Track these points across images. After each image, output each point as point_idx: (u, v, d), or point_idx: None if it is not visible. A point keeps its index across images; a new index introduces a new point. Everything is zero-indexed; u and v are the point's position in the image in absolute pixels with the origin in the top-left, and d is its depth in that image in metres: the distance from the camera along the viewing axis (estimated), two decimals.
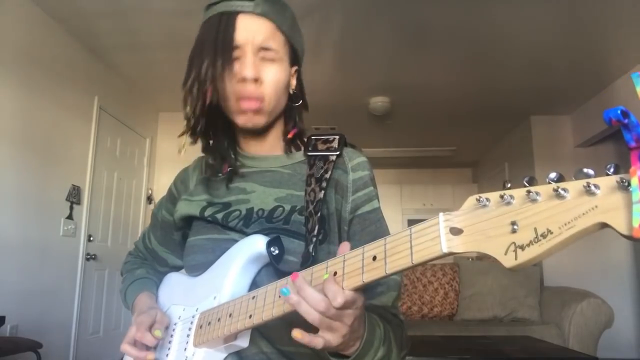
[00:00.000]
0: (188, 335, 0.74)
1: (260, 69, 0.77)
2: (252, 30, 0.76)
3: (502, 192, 0.43)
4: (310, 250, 0.71)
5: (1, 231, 2.71)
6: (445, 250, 0.46)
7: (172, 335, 0.78)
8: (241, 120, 0.79)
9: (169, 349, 0.76)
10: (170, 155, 4.71)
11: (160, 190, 4.65)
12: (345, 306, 0.53)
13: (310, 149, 0.82)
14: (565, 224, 0.38)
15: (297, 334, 0.54)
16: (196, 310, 0.76)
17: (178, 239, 0.93)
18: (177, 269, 0.95)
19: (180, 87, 0.77)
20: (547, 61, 3.65)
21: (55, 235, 3.20)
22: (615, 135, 4.24)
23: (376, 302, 0.74)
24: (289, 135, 0.85)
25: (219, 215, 0.80)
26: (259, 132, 0.83)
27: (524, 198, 0.41)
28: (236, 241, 0.76)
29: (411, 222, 6.95)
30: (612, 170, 0.38)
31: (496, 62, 3.69)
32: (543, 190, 0.40)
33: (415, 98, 4.45)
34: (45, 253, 3.09)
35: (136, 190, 4.44)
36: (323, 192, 0.75)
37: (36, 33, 3.02)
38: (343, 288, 0.54)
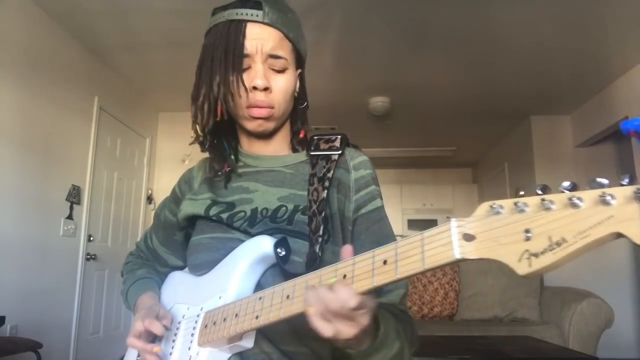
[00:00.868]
0: (192, 335, 0.74)
1: (269, 78, 0.78)
2: (261, 40, 0.77)
3: (515, 200, 0.43)
4: (317, 250, 0.71)
5: (1, 231, 2.71)
6: (457, 256, 0.46)
7: (175, 334, 0.78)
8: (252, 126, 0.80)
9: (172, 347, 0.76)
10: (170, 155, 4.71)
11: (160, 190, 4.66)
12: (359, 307, 0.53)
13: (312, 148, 0.83)
14: (580, 233, 0.38)
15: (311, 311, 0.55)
16: (201, 310, 0.76)
17: (180, 239, 0.93)
18: (177, 269, 0.95)
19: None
20: (547, 61, 3.65)
21: (55, 235, 3.20)
22: (615, 135, 4.24)
23: (384, 300, 0.74)
24: (301, 135, 0.87)
25: (224, 215, 0.80)
26: (266, 135, 0.84)
27: (538, 206, 0.41)
28: (241, 241, 0.76)
29: (411, 222, 6.98)
30: (626, 181, 0.37)
31: (496, 62, 3.69)
32: (557, 198, 0.40)
33: (415, 98, 4.45)
34: (45, 253, 3.09)
35: (136, 190, 4.44)
36: (326, 191, 0.75)
37: (36, 33, 3.02)
38: (357, 291, 0.54)
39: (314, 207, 0.74)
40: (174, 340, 0.77)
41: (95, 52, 3.62)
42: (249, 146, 0.87)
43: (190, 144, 0.83)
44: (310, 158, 0.82)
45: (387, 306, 0.71)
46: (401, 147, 6.11)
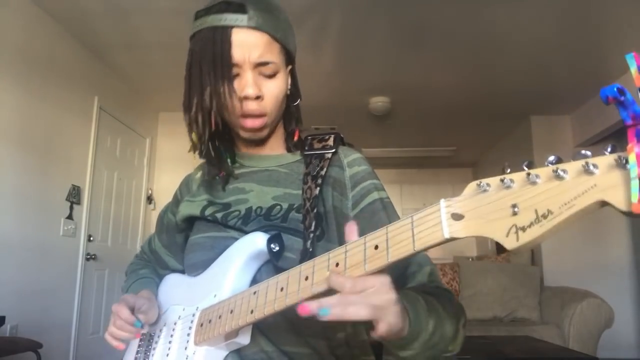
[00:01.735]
0: (188, 334, 0.74)
1: (260, 85, 0.77)
2: (248, 47, 0.75)
3: (502, 177, 0.43)
4: (308, 246, 0.71)
5: (1, 231, 2.70)
6: (447, 235, 0.46)
7: (172, 335, 0.78)
8: (246, 136, 0.81)
9: (169, 348, 0.76)
10: (170, 155, 4.71)
11: (160, 190, 4.66)
12: (365, 287, 0.52)
13: (306, 148, 0.83)
14: (565, 204, 0.38)
15: (373, 333, 0.52)
16: (196, 309, 0.76)
17: (180, 241, 0.94)
18: (177, 272, 0.96)
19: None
20: (547, 61, 3.65)
21: (55, 235, 3.20)
22: (615, 135, 4.24)
23: (413, 284, 0.74)
24: (295, 137, 0.86)
25: (219, 215, 0.81)
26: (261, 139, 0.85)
27: (523, 181, 0.42)
28: (235, 239, 0.76)
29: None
30: (609, 150, 0.38)
31: (496, 62, 3.69)
32: (542, 172, 0.41)
33: (415, 98, 4.45)
34: (45, 253, 3.09)
35: (136, 190, 4.44)
36: (318, 188, 0.75)
37: (36, 33, 3.02)
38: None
39: (307, 204, 0.74)
40: (170, 342, 0.77)
41: (95, 52, 3.62)
42: (244, 147, 0.88)
43: (189, 151, 0.83)
44: (304, 157, 0.83)
45: (416, 288, 0.70)
46: (401, 147, 6.11)
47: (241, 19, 0.74)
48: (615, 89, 0.37)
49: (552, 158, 0.41)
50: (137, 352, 0.83)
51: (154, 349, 0.79)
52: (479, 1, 2.87)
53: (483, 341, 2.77)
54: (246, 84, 0.75)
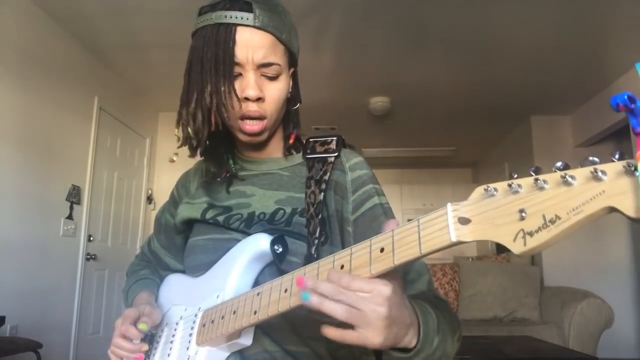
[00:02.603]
0: (190, 335, 0.74)
1: (262, 86, 0.76)
2: (252, 47, 0.73)
3: (509, 182, 0.44)
4: (313, 252, 0.71)
5: (1, 231, 2.70)
6: (454, 239, 0.46)
7: (173, 335, 0.77)
8: (244, 139, 0.79)
9: (170, 348, 0.76)
10: (170, 155, 4.71)
11: (160, 190, 4.65)
12: (359, 289, 0.51)
13: (308, 151, 0.82)
14: (573, 210, 0.39)
15: (329, 331, 0.52)
16: (198, 310, 0.75)
17: (179, 242, 0.93)
18: (178, 273, 0.96)
19: (178, 86, 0.77)
20: (547, 61, 3.65)
21: (55, 235, 3.20)
22: (615, 135, 4.24)
23: (413, 292, 0.73)
24: (290, 141, 0.85)
25: (221, 218, 0.80)
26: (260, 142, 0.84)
27: (531, 186, 0.42)
28: (238, 240, 0.76)
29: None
30: (617, 157, 0.38)
31: (496, 62, 3.69)
32: (550, 177, 0.41)
33: (415, 98, 4.45)
34: (45, 253, 3.09)
35: (136, 190, 4.44)
36: (323, 194, 0.75)
37: (36, 33, 3.02)
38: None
39: (312, 209, 0.74)
40: (171, 342, 0.77)
41: (95, 52, 3.62)
42: (244, 149, 0.87)
43: (179, 146, 0.80)
44: (306, 161, 0.82)
45: (419, 297, 0.68)
46: (401, 147, 6.11)
47: (246, 17, 0.73)
48: (625, 97, 0.37)
49: (559, 164, 0.41)
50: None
51: (155, 348, 0.79)
52: (479, 1, 2.87)
53: (483, 341, 2.77)
54: (248, 84, 0.74)
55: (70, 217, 3.35)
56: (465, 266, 4.08)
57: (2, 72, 2.73)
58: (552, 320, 3.53)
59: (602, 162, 0.39)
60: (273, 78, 0.77)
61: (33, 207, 2.98)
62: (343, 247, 0.75)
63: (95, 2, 2.95)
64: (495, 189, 0.44)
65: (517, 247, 0.42)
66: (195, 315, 0.75)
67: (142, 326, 0.73)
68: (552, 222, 0.39)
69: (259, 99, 0.75)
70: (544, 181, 0.41)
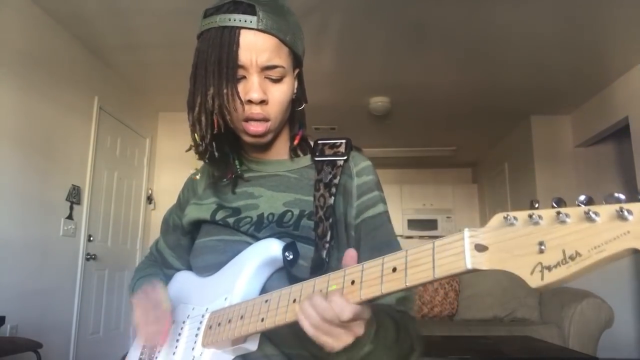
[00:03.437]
0: (196, 335, 0.74)
1: (266, 89, 0.75)
2: (255, 50, 0.73)
3: (530, 212, 0.42)
4: (324, 256, 0.71)
5: (1, 231, 2.70)
6: (469, 266, 0.45)
7: (179, 334, 0.77)
8: (249, 140, 0.79)
9: (176, 347, 0.76)
10: (170, 155, 4.71)
11: (160, 190, 4.65)
12: (353, 319, 0.53)
13: (317, 154, 0.82)
14: (595, 247, 0.38)
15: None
16: (206, 310, 0.75)
17: (185, 243, 0.93)
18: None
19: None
20: (547, 61, 3.65)
21: (55, 235, 3.20)
22: (616, 135, 4.24)
23: (379, 301, 0.74)
24: (295, 142, 0.85)
25: (231, 220, 0.80)
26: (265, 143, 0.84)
27: (553, 219, 0.41)
28: (248, 243, 0.76)
29: (411, 222, 6.97)
30: None
31: (496, 61, 3.69)
32: (573, 212, 0.40)
33: (415, 98, 4.45)
34: (45, 253, 3.09)
35: (136, 190, 4.44)
36: (333, 198, 0.75)
37: (36, 33, 3.02)
38: (361, 298, 0.53)
39: (321, 213, 0.74)
40: (177, 340, 0.77)
41: (95, 52, 3.62)
42: (250, 150, 0.86)
43: (187, 150, 0.82)
44: (315, 163, 0.81)
45: (386, 308, 0.70)
46: (401, 147, 6.11)
47: (250, 20, 0.73)
48: None
49: (582, 198, 0.40)
50: (144, 347, 0.83)
51: (161, 345, 0.79)
52: (479, 1, 2.87)
53: (483, 341, 2.77)
54: (251, 87, 0.74)
55: (70, 217, 3.35)
56: None
57: (3, 72, 2.73)
58: (552, 320, 3.53)
59: (627, 200, 0.38)
60: (277, 80, 0.76)
61: (33, 207, 2.98)
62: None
63: (96, 3, 2.95)
64: (515, 218, 0.43)
65: (534, 281, 0.41)
66: (202, 316, 0.75)
67: (165, 305, 0.74)
68: (572, 258, 0.39)
69: (262, 102, 0.75)
70: (566, 215, 0.40)
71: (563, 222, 0.40)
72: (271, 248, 0.71)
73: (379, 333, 0.62)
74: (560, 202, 0.42)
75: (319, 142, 0.84)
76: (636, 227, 0.36)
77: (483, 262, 0.45)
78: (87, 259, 3.56)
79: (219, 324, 0.70)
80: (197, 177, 0.94)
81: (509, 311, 3.73)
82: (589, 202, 0.40)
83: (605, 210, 0.38)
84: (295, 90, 0.82)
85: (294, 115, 0.86)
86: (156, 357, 0.79)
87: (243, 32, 0.73)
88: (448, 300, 3.88)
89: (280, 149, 0.86)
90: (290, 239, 0.72)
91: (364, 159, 0.82)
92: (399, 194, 6.97)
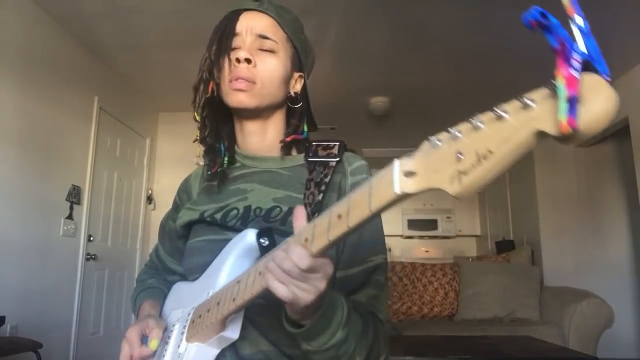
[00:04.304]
0: (182, 333, 0.75)
1: (255, 54, 0.80)
2: (252, 20, 0.82)
3: (449, 128, 0.43)
4: None
5: (1, 231, 2.71)
6: (398, 191, 0.46)
7: (169, 337, 0.78)
8: (232, 101, 0.80)
9: (165, 349, 0.76)
10: (170, 155, 4.71)
11: (160, 190, 4.65)
12: (311, 270, 0.54)
13: (310, 154, 0.83)
14: (503, 140, 0.38)
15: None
16: (192, 309, 0.76)
17: (182, 247, 0.93)
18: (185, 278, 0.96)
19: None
20: (548, 61, 3.64)
21: (55, 235, 3.20)
22: (616, 135, 4.24)
23: (354, 297, 0.74)
24: (287, 139, 0.85)
25: (218, 215, 0.81)
26: (257, 122, 0.85)
27: (470, 129, 0.42)
28: None
29: (411, 222, 6.96)
30: (548, 84, 0.38)
31: (496, 61, 3.69)
32: (485, 117, 0.41)
33: (415, 98, 4.45)
34: (45, 253, 3.09)
35: (136, 190, 4.44)
36: (322, 194, 0.75)
37: (36, 33, 3.02)
38: (313, 251, 0.54)
39: (308, 209, 0.74)
40: (167, 343, 0.77)
41: (95, 52, 3.62)
42: (245, 144, 0.87)
43: (195, 141, 0.85)
44: (307, 164, 0.82)
45: (354, 303, 0.70)
46: (401, 147, 6.10)
47: (254, 5, 0.83)
48: (537, 13, 0.37)
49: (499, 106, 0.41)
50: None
51: (153, 354, 0.80)
52: (478, 1, 2.88)
53: (483, 341, 2.76)
54: (240, 49, 0.80)
55: (70, 217, 3.35)
56: (465, 266, 4.08)
57: (3, 72, 2.73)
58: (552, 320, 3.52)
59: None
60: (268, 51, 0.81)
61: (33, 207, 2.98)
62: (337, 249, 0.76)
63: (96, 2, 2.95)
64: (439, 139, 0.44)
65: (453, 189, 0.41)
66: (189, 315, 0.76)
67: (154, 344, 0.73)
68: (485, 157, 0.39)
69: (248, 62, 0.79)
70: (480, 121, 0.41)
71: (478, 128, 0.41)
72: (247, 237, 0.72)
73: (350, 318, 0.63)
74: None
75: (313, 143, 0.85)
76: (539, 111, 0.37)
77: (410, 184, 0.46)
78: (87, 259, 3.56)
79: (200, 316, 0.71)
80: (201, 163, 0.94)
81: (509, 311, 3.73)
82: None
83: (512, 106, 0.39)
84: (296, 91, 0.86)
85: (292, 113, 0.88)
86: None
87: (245, 12, 0.83)
88: (448, 300, 3.88)
89: (274, 144, 0.86)
90: (266, 225, 0.74)
91: (359, 159, 0.84)
92: None
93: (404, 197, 0.46)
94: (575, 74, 0.35)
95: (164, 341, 0.78)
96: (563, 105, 0.35)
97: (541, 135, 0.37)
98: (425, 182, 0.44)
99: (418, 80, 4.05)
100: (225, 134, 0.87)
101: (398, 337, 2.99)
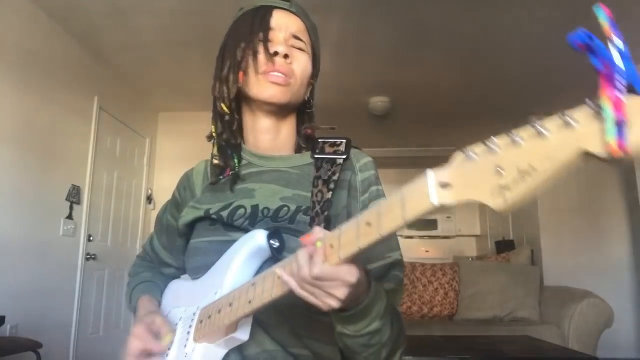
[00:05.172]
0: (189, 333, 0.74)
1: (290, 52, 0.81)
2: (286, 19, 0.82)
3: (486, 142, 0.44)
4: None
5: (1, 231, 2.70)
6: (435, 203, 0.46)
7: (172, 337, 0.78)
8: (265, 94, 0.80)
9: (169, 349, 0.76)
10: (170, 155, 4.71)
11: (160, 190, 4.65)
12: (321, 279, 0.54)
13: (317, 151, 0.82)
14: (547, 158, 0.39)
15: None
16: (197, 309, 0.75)
17: (181, 245, 0.92)
18: (181, 271, 0.95)
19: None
20: (547, 61, 3.65)
21: (55, 235, 3.20)
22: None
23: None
24: (309, 131, 0.87)
25: (225, 213, 0.79)
26: (273, 120, 0.85)
27: (508, 144, 0.42)
28: None
29: (411, 223, 6.97)
30: (589, 103, 0.39)
31: (496, 61, 3.69)
32: (525, 132, 0.41)
33: (416, 97, 4.45)
34: (45, 253, 3.09)
35: (136, 190, 4.44)
36: (331, 193, 0.75)
37: (36, 33, 3.02)
38: (341, 258, 0.54)
39: (317, 207, 0.74)
40: (171, 342, 0.77)
41: (95, 52, 3.62)
42: (258, 142, 0.86)
43: (209, 137, 0.85)
44: (315, 161, 0.82)
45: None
46: (401, 147, 6.11)
47: (284, 3, 0.83)
48: (584, 35, 0.38)
49: (535, 120, 0.41)
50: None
51: (154, 354, 0.79)
52: (479, 1, 2.88)
53: (483, 341, 2.76)
54: (278, 43, 0.80)
55: (70, 217, 3.35)
56: (465, 266, 4.08)
57: (2, 72, 2.73)
58: (552, 320, 3.52)
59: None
60: (302, 51, 0.83)
61: (33, 207, 2.98)
62: None
63: (96, 2, 2.95)
64: (475, 153, 0.45)
65: (497, 204, 0.41)
66: (194, 314, 0.75)
67: (168, 339, 0.74)
68: (529, 173, 0.39)
69: (287, 57, 0.79)
70: (520, 137, 0.41)
71: (517, 143, 0.41)
72: (256, 238, 0.71)
73: (387, 311, 0.64)
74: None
75: (320, 140, 0.85)
76: (582, 131, 0.37)
77: (448, 196, 0.46)
78: (87, 259, 3.56)
79: (210, 317, 0.70)
80: (211, 155, 0.92)
81: (509, 311, 3.73)
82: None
83: (553, 123, 0.39)
84: (308, 95, 0.88)
85: (303, 115, 0.89)
86: None
87: (277, 10, 0.82)
88: (448, 300, 3.88)
89: (287, 143, 0.86)
90: (275, 227, 0.73)
91: (365, 155, 0.85)
92: None
93: (440, 208, 0.47)
94: (621, 96, 0.36)
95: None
96: (611, 128, 0.35)
97: (586, 155, 0.37)
98: (462, 195, 0.44)
99: (418, 80, 4.05)
100: (238, 131, 0.86)
101: None
